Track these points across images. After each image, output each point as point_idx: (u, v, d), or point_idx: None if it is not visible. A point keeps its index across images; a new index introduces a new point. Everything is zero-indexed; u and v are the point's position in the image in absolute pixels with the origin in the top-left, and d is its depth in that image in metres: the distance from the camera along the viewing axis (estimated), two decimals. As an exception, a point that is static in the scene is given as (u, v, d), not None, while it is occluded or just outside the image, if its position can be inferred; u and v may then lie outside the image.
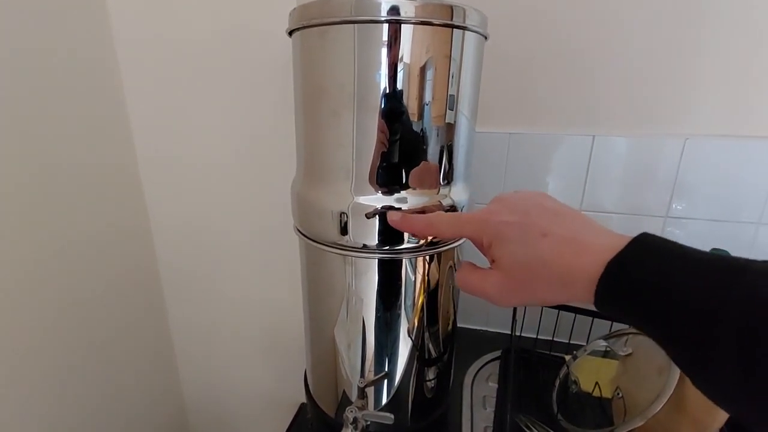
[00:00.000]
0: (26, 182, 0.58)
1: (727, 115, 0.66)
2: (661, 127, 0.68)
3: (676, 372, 0.48)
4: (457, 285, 0.39)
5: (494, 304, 0.29)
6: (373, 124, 0.39)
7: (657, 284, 0.22)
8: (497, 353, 0.78)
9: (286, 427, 0.74)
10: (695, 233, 0.70)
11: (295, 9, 0.41)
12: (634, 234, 0.24)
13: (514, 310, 0.73)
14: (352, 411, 0.46)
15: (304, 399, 0.60)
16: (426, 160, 0.41)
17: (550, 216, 0.28)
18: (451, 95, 0.40)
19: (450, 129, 0.42)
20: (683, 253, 0.22)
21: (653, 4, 0.64)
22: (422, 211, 0.42)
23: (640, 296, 0.23)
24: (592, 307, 0.25)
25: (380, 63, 0.37)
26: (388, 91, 0.38)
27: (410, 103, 0.39)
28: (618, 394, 0.56)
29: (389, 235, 0.42)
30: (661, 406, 0.47)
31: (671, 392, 0.47)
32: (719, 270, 0.21)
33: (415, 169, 0.41)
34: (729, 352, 0.19)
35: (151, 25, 0.67)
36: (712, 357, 0.20)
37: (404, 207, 0.41)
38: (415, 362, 0.50)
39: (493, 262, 0.29)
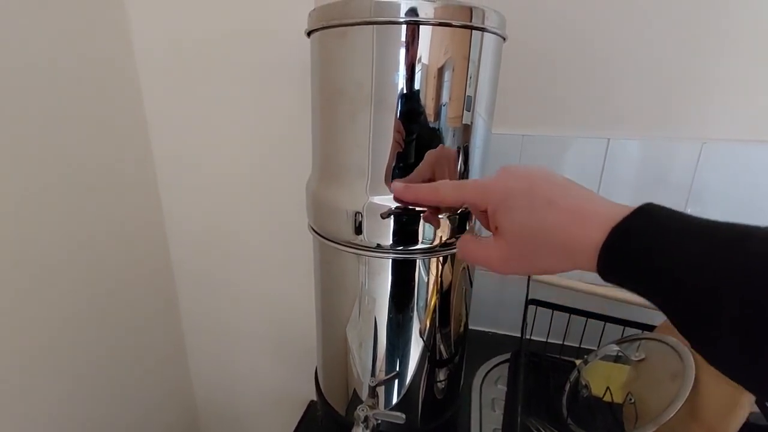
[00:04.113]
0: (44, 182, 0.59)
1: (745, 120, 0.65)
2: (678, 131, 0.67)
3: (691, 378, 0.48)
4: (458, 255, 0.38)
5: (496, 272, 0.29)
6: (389, 124, 0.39)
7: (659, 254, 0.22)
8: (507, 356, 0.77)
9: (296, 423, 0.75)
10: (710, 239, 0.69)
11: (314, 10, 0.41)
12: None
13: (524, 313, 0.72)
14: (363, 410, 0.47)
15: (314, 396, 0.61)
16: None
17: (557, 187, 0.28)
18: (468, 96, 0.40)
19: (467, 130, 0.42)
20: (687, 223, 0.22)
21: (673, 6, 0.63)
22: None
23: (642, 266, 0.22)
24: (599, 281, 0.24)
25: (398, 64, 0.37)
26: (405, 92, 0.38)
27: (427, 104, 0.39)
28: (630, 399, 0.55)
29: (403, 235, 0.42)
30: (674, 413, 0.47)
31: (685, 399, 0.47)
32: (721, 240, 0.21)
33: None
34: (730, 326, 0.19)
35: (169, 27, 0.67)
36: (713, 333, 0.20)
37: (418, 208, 0.41)
38: (427, 363, 0.50)
39: (496, 229, 0.29)
